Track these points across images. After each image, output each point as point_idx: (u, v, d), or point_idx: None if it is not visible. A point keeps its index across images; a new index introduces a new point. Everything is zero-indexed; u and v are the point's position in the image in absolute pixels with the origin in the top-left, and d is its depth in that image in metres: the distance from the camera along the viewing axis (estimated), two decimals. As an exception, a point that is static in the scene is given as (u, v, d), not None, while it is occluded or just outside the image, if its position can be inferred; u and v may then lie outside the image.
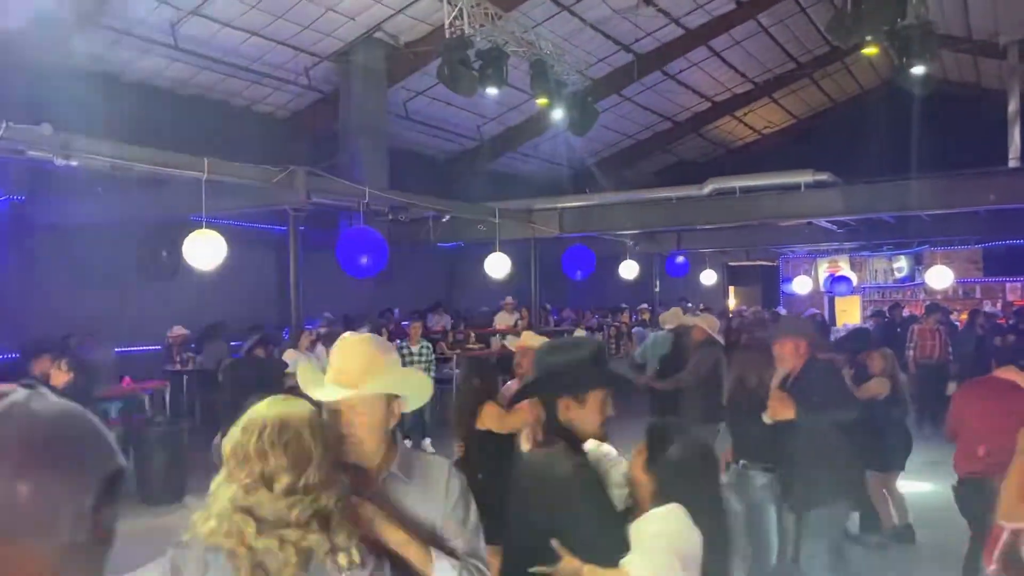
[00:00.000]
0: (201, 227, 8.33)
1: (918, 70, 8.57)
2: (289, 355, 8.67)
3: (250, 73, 13.10)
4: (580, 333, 7.09)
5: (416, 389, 2.08)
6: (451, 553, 1.90)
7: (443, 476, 1.98)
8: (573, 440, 2.23)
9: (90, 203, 10.53)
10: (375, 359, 1.99)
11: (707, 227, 15.09)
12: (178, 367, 11.17)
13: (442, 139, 17.09)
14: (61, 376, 5.13)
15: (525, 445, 2.76)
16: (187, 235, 8.44)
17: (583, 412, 2.22)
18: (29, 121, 7.37)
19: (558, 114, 11.80)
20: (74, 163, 7.23)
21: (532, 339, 5.28)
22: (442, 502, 1.94)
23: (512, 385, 5.05)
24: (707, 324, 7.29)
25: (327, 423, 1.86)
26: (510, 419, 4.23)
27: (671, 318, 8.08)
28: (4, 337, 10.65)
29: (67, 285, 11.41)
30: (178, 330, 11.48)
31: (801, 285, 19.57)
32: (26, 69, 10.83)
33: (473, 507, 1.98)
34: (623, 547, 2.04)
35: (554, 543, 2.04)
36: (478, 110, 15.74)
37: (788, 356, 4.51)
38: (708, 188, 12.95)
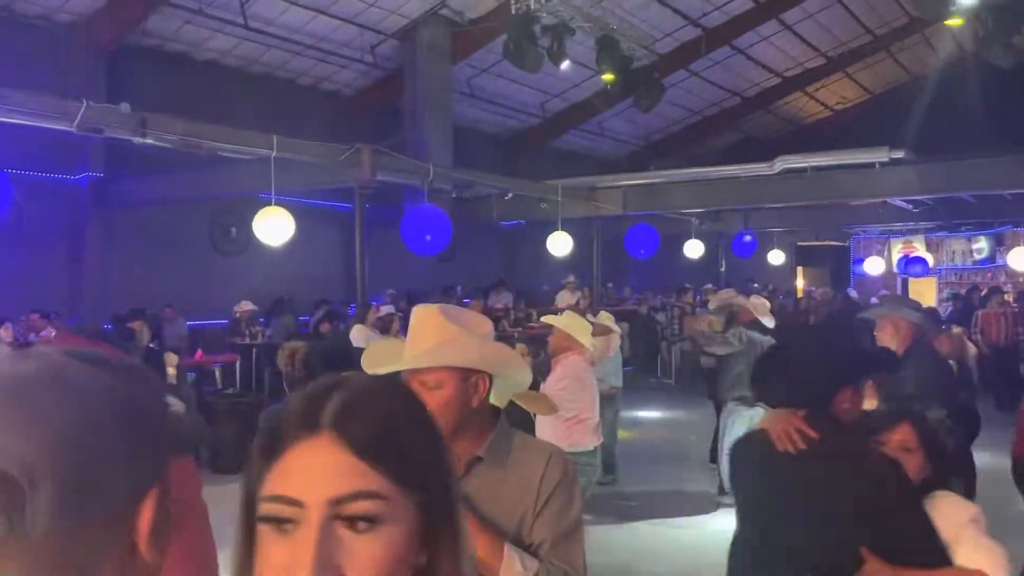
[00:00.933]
0: (270, 204, 8.48)
1: (1007, 41, 8.16)
2: (357, 331, 8.79)
3: (316, 51, 13.24)
4: (606, 316, 6.84)
5: (502, 366, 1.81)
6: (534, 553, 1.67)
7: (540, 464, 1.72)
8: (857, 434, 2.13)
9: (164, 180, 10.82)
10: (445, 328, 1.77)
11: (776, 206, 14.73)
12: (247, 341, 11.45)
13: (505, 116, 17.04)
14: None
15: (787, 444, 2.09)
16: (256, 212, 8.61)
17: (860, 401, 2.17)
18: (106, 100, 7.59)
19: (624, 90, 11.61)
20: (149, 141, 7.42)
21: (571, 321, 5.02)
22: (534, 493, 1.69)
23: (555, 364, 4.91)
24: (755, 306, 7.01)
25: None
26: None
27: (718, 300, 7.89)
28: (85, 310, 11.07)
29: (143, 260, 11.79)
30: (246, 305, 11.75)
31: (873, 266, 18.95)
32: (103, 50, 11.16)
33: (576, 504, 1.72)
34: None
35: (864, 552, 1.86)
36: (542, 87, 15.62)
37: (887, 339, 4.05)
38: (778, 166, 12.59)
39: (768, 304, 7.37)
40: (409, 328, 1.85)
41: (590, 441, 4.81)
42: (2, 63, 9.23)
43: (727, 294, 7.90)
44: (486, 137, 17.09)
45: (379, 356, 1.85)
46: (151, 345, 5.65)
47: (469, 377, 1.73)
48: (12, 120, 6.46)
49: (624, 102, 14.03)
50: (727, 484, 6.75)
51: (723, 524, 6.45)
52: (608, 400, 6.58)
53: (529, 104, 16.71)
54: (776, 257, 18.77)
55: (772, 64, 18.00)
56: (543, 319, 5.72)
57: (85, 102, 6.71)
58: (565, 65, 10.40)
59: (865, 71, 19.68)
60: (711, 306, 8.14)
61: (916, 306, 4.42)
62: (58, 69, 10.54)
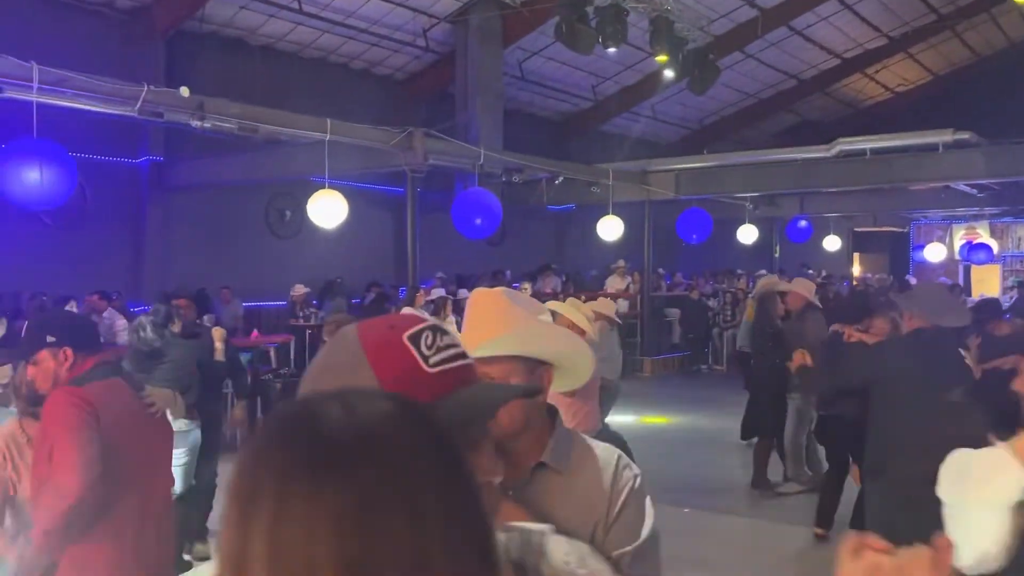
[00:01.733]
0: (324, 187, 8.58)
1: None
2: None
3: (370, 35, 13.31)
4: (605, 303, 6.80)
5: (571, 355, 1.62)
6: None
7: (608, 469, 1.53)
8: None
9: (220, 164, 11.02)
10: (511, 313, 1.59)
11: (833, 190, 14.40)
12: (300, 322, 11.64)
13: (556, 99, 16.93)
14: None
15: None
16: (309, 196, 8.72)
17: None
18: (165, 86, 7.75)
19: (677, 72, 11.44)
20: (207, 125, 7.55)
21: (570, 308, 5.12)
22: (604, 503, 1.51)
23: None
24: (803, 288, 6.81)
25: None
26: None
27: (762, 285, 7.70)
28: (144, 290, 11.36)
29: (200, 242, 12.05)
30: (300, 288, 11.93)
31: (934, 253, 18.43)
32: (163, 36, 11.38)
33: (650, 513, 1.53)
34: None
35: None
36: (593, 69, 15.47)
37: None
38: (836, 149, 12.32)
39: (813, 285, 7.21)
40: (468, 313, 1.68)
41: (590, 426, 4.77)
42: (67, 49, 9.47)
43: (768, 280, 7.74)
44: (537, 120, 17.02)
45: None
46: (197, 322, 5.75)
47: (536, 369, 1.56)
48: (78, 105, 6.63)
49: (677, 85, 13.82)
50: (791, 472, 6.67)
51: (767, 510, 6.38)
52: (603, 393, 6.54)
53: (580, 87, 16.58)
54: (832, 243, 18.37)
55: (831, 45, 17.53)
56: (547, 305, 5.74)
57: (146, 86, 6.85)
58: (614, 49, 10.28)
59: (928, 51, 19.05)
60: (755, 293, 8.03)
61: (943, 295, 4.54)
62: (120, 55, 10.78)
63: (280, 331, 11.29)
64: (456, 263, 14.21)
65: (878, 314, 5.19)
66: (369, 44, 13.65)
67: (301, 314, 11.89)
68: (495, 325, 1.57)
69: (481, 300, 1.66)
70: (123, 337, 9.43)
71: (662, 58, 11.13)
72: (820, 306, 6.85)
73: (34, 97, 5.93)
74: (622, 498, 1.51)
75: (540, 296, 13.08)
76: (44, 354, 2.52)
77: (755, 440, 7.20)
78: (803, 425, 6.57)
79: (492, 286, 11.19)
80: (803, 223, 16.74)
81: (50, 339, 2.52)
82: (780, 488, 6.77)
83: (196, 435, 5.10)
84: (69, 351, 2.51)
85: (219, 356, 5.56)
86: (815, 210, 16.73)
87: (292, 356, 10.52)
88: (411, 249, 10.34)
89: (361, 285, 12.65)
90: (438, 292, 11.22)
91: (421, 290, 10.42)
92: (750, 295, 8.74)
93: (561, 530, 1.34)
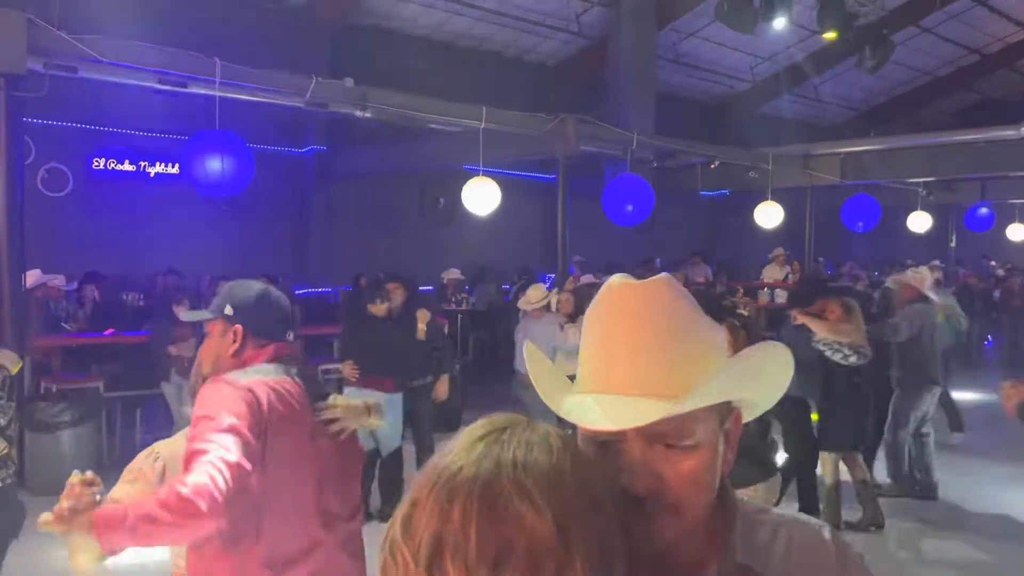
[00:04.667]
0: (477, 175, 8.67)
1: None
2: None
3: (523, 23, 13.35)
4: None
5: (765, 384, 1.01)
6: None
7: (829, 554, 1.01)
8: None
9: (378, 153, 11.39)
10: (695, 334, 0.96)
11: (1021, 175, 13.12)
12: (452, 307, 11.88)
13: (712, 82, 16.39)
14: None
15: None
16: (462, 184, 8.84)
17: None
18: (331, 77, 8.05)
19: (847, 50, 10.74)
20: (369, 115, 7.79)
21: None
22: None
23: None
24: (916, 280, 6.61)
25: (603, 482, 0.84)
26: None
27: (901, 277, 7.18)
28: (307, 274, 11.96)
29: (358, 229, 12.54)
30: (453, 273, 12.17)
31: None
32: (327, 29, 11.87)
33: None
34: None
35: None
36: (752, 49, 14.85)
37: None
38: (1025, 129, 11.19)
39: (928, 275, 6.87)
40: (607, 328, 0.96)
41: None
42: (242, 45, 10.05)
43: (907, 274, 7.21)
44: (691, 104, 16.55)
45: (557, 380, 1.03)
46: (408, 305, 6.15)
47: (726, 419, 0.98)
48: (255, 98, 7.00)
49: (842, 64, 13.02)
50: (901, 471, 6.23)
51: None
52: None
53: (738, 68, 15.96)
54: (1017, 232, 16.78)
55: (1020, 15, 15.96)
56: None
57: (314, 78, 7.14)
58: (780, 26, 9.75)
59: None
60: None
61: None
62: (288, 49, 11.34)
63: (434, 315, 11.56)
64: (604, 250, 14.05)
65: (830, 298, 5.24)
66: (521, 31, 13.69)
67: (453, 299, 12.14)
68: (675, 360, 0.93)
69: (630, 311, 0.95)
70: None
71: (830, 35, 10.48)
72: (933, 298, 6.65)
73: (216, 91, 6.30)
74: None
75: (692, 286, 12.71)
76: (215, 326, 2.17)
77: None
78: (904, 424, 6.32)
79: (640, 276, 11.10)
80: (984, 210, 15.38)
81: (227, 310, 2.16)
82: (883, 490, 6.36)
83: (396, 406, 5.67)
84: (240, 330, 2.13)
85: (420, 336, 6.04)
86: (998, 196, 15.32)
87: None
88: (561, 236, 10.29)
89: (511, 271, 12.76)
90: (588, 278, 11.11)
91: (571, 276, 10.36)
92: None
93: None
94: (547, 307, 6.68)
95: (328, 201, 12.46)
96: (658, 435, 0.90)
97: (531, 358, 1.05)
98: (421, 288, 12.70)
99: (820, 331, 5.01)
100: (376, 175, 12.42)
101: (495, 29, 13.48)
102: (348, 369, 5.74)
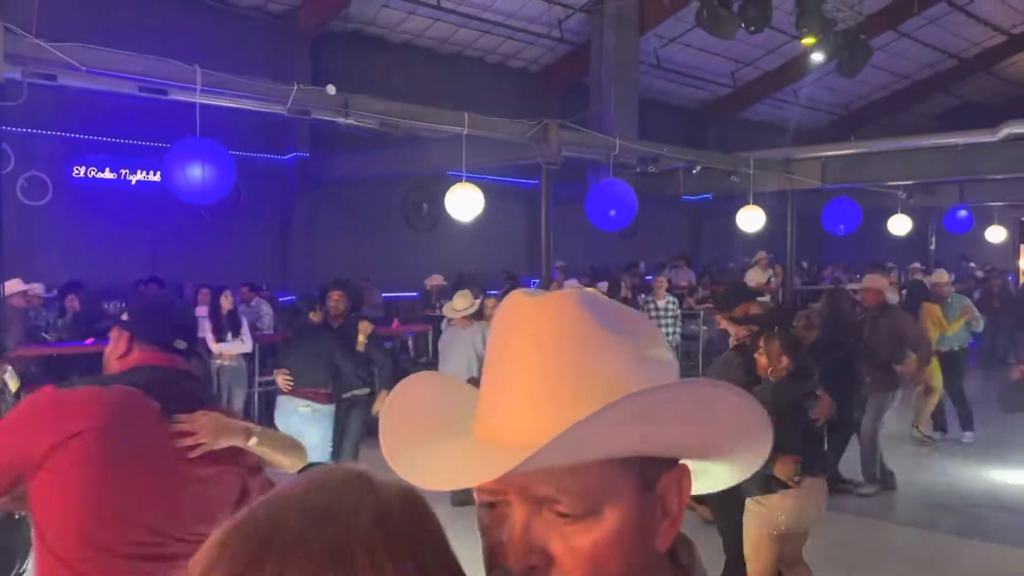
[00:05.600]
0: (459, 181, 8.67)
1: None
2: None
3: (505, 28, 13.39)
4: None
5: (716, 432, 0.76)
6: None
7: None
8: None
9: (361, 159, 11.38)
10: (595, 366, 0.72)
11: (998, 177, 13.28)
12: (436, 312, 11.86)
13: (694, 87, 16.49)
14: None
15: None
16: (445, 189, 8.84)
17: None
18: (312, 84, 8.03)
19: (826, 55, 10.85)
20: (351, 121, 7.78)
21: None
22: None
23: None
24: (875, 284, 6.82)
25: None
26: None
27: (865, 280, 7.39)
28: (290, 281, 11.91)
29: (342, 235, 12.51)
30: (436, 279, 12.17)
31: (1115, 245, 16.72)
32: (309, 36, 11.86)
33: None
34: None
35: None
36: (733, 55, 14.96)
37: None
38: (1002, 133, 11.31)
39: (887, 281, 7.22)
40: (501, 350, 0.75)
41: None
42: (223, 52, 10.02)
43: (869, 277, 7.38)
44: (673, 109, 16.64)
45: (422, 436, 0.79)
46: (352, 314, 6.03)
47: (657, 478, 0.75)
48: (236, 105, 6.98)
49: (822, 69, 13.14)
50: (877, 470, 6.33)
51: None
52: None
53: (719, 73, 16.07)
54: (996, 234, 16.97)
55: (996, 20, 16.18)
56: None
57: (296, 85, 7.12)
58: (758, 32, 9.85)
59: (1112, 22, 17.25)
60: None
61: None
62: (270, 56, 11.32)
63: (416, 321, 11.56)
64: (588, 255, 14.11)
65: (752, 302, 5.31)
66: (504, 37, 13.73)
67: (437, 304, 12.13)
68: (567, 394, 0.71)
69: (532, 328, 0.74)
70: (268, 324, 9.92)
71: (809, 40, 10.59)
72: (892, 301, 6.86)
73: (197, 99, 6.28)
74: None
75: (675, 289, 12.76)
76: (114, 330, 2.16)
77: None
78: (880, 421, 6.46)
79: (626, 280, 11.03)
80: (963, 213, 15.55)
81: (124, 316, 2.20)
82: (861, 489, 6.47)
83: (325, 418, 5.53)
84: (127, 335, 2.11)
85: (360, 347, 5.80)
86: (977, 199, 15.49)
87: (430, 345, 10.75)
88: (545, 241, 10.30)
89: (495, 276, 12.77)
90: (572, 283, 11.14)
91: (554, 281, 10.38)
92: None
93: None
94: (477, 315, 6.52)
95: (311, 207, 12.43)
96: (543, 499, 0.68)
97: (404, 390, 0.83)
98: (406, 294, 12.74)
99: (741, 335, 5.02)
100: (359, 181, 12.40)
101: (477, 35, 13.51)
102: (280, 378, 5.62)
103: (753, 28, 9.32)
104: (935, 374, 8.20)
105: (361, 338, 5.84)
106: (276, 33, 11.78)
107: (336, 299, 5.84)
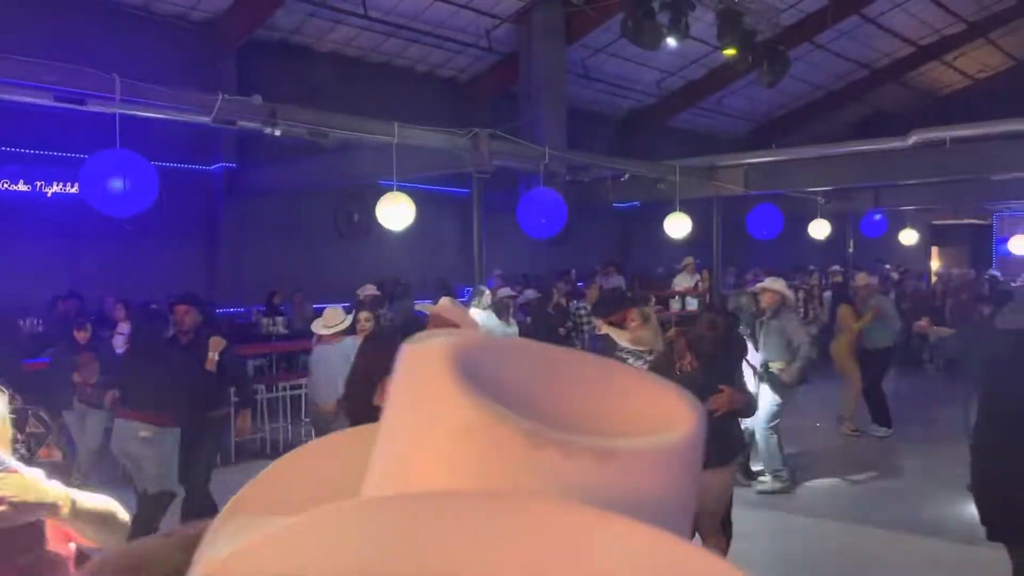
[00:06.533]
0: (391, 190, 8.66)
1: None
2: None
3: (434, 38, 13.42)
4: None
5: None
6: None
7: None
8: None
9: (291, 169, 11.24)
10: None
11: (910, 183, 13.90)
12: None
13: (621, 96, 16.79)
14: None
15: None
16: (377, 198, 8.82)
17: None
18: (237, 94, 7.93)
19: (746, 66, 11.21)
20: (279, 131, 7.70)
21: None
22: None
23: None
24: (776, 286, 7.11)
25: None
26: None
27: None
28: (219, 294, 11.67)
29: (272, 246, 12.32)
30: (369, 288, 12.07)
31: (1019, 245, 17.66)
32: (234, 45, 11.67)
33: None
34: None
35: None
36: (658, 65, 15.30)
37: None
38: (912, 139, 11.85)
39: (783, 282, 7.44)
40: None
41: None
42: (145, 61, 9.79)
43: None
44: (601, 118, 16.90)
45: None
46: (203, 330, 5.59)
47: None
48: (157, 115, 6.83)
49: (744, 79, 13.57)
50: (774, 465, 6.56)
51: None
52: None
53: (645, 83, 16.41)
54: (909, 237, 17.76)
55: (906, 32, 16.96)
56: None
57: (221, 95, 7.02)
58: (680, 43, 10.12)
59: (1010, 36, 18.24)
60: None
61: None
62: (194, 65, 11.10)
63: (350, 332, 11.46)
64: (521, 263, 14.20)
65: (630, 308, 5.48)
66: (433, 47, 13.75)
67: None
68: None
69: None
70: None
71: (730, 51, 10.92)
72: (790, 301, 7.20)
73: (117, 109, 6.13)
74: None
75: (604, 295, 12.92)
76: None
77: None
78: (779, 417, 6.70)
79: (560, 287, 11.00)
80: (878, 217, 16.24)
81: None
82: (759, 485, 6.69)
83: (166, 443, 5.06)
84: None
85: (210, 366, 5.36)
86: (890, 203, 16.19)
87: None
88: (477, 251, 10.37)
89: (429, 286, 12.75)
90: (504, 292, 11.20)
91: (488, 290, 10.43)
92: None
93: None
94: (348, 330, 5.99)
95: (239, 218, 12.21)
96: None
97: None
98: (339, 305, 12.59)
99: (621, 339, 5.20)
100: (289, 191, 12.24)
101: (406, 44, 13.50)
102: (109, 398, 5.30)
103: (675, 39, 9.56)
104: (854, 371, 8.56)
105: (212, 355, 5.37)
106: (200, 42, 11.56)
107: (182, 314, 5.43)
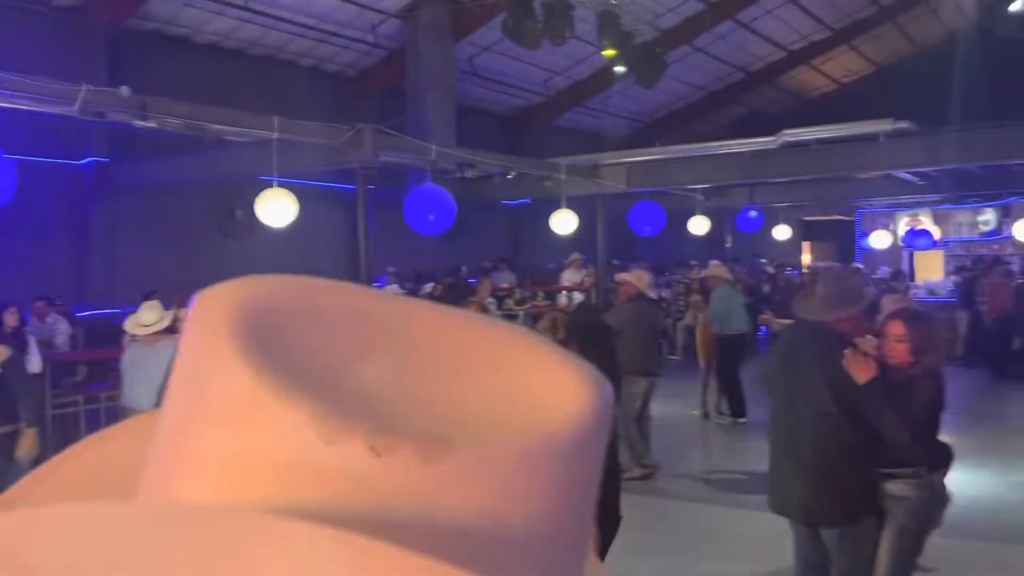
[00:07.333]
0: (272, 187, 8.50)
1: (1015, 7, 8.11)
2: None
3: (318, 32, 13.20)
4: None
5: None
6: None
7: None
8: None
9: (168, 164, 10.85)
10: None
11: (781, 180, 14.66)
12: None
13: (508, 95, 16.97)
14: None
15: None
16: (259, 195, 8.64)
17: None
18: (108, 85, 7.60)
19: (625, 66, 11.56)
20: (151, 124, 7.44)
21: None
22: None
23: None
24: (636, 279, 7.38)
25: None
26: None
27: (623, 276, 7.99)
28: (90, 294, 11.15)
29: (149, 244, 11.84)
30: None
31: (879, 240, 18.88)
32: (104, 34, 11.15)
33: None
34: None
35: None
36: (545, 64, 15.54)
37: None
38: (781, 140, 12.52)
39: (647, 276, 7.69)
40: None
41: None
42: (3, 48, 9.24)
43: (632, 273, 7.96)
44: (489, 116, 17.04)
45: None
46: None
47: None
48: (13, 105, 6.49)
49: (627, 79, 13.97)
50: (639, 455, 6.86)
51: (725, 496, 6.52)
52: None
53: (532, 82, 16.64)
54: (782, 232, 18.72)
55: (777, 38, 17.85)
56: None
57: (84, 86, 6.73)
58: (559, 43, 10.35)
59: (871, 43, 19.50)
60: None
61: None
62: (60, 54, 10.54)
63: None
64: (412, 260, 14.17)
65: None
66: (317, 41, 13.53)
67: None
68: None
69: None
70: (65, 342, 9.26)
71: (610, 52, 11.24)
72: (651, 295, 7.54)
73: (-33, 98, 5.79)
74: None
75: (495, 292, 13.10)
76: None
77: None
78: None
79: (450, 283, 11.07)
80: (753, 213, 17.03)
81: None
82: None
83: None
84: None
85: None
86: (765, 200, 17.01)
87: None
88: (363, 247, 10.29)
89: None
90: (394, 288, 11.19)
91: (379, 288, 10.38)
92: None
93: None
94: (168, 330, 5.31)
95: (112, 215, 11.67)
96: None
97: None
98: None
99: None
100: (166, 187, 11.79)
101: (289, 38, 13.22)
102: None
103: (556, 39, 9.77)
104: (711, 358, 9.02)
105: None
106: (66, 30, 10.97)
107: None
